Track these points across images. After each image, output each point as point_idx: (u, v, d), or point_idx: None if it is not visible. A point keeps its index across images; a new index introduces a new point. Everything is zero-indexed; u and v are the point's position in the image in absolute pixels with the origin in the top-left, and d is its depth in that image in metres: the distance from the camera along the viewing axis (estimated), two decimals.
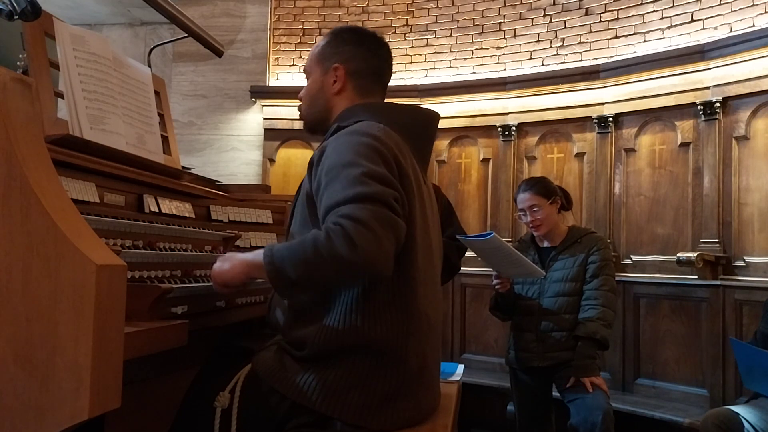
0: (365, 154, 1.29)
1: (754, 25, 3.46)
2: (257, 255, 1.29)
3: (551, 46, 4.31)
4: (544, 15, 4.35)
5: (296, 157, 4.79)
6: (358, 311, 1.30)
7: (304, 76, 1.62)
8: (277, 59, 4.96)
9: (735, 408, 2.38)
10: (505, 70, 4.42)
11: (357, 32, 1.57)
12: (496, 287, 2.70)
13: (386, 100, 1.60)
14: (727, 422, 2.30)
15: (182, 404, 1.44)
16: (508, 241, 3.36)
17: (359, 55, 1.53)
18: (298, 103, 1.63)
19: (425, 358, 1.38)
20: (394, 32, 4.72)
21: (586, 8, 4.21)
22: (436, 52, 4.65)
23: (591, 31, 4.17)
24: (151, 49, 2.66)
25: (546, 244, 2.81)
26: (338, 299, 1.31)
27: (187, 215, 1.79)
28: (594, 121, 4.02)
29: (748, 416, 2.30)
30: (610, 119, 3.96)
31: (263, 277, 1.27)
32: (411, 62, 4.68)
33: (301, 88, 1.62)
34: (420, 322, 1.36)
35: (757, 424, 2.28)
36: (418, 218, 1.38)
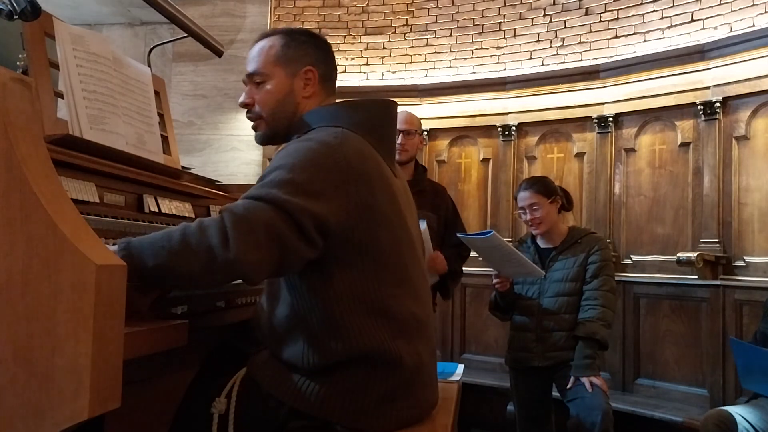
0: (304, 160, 1.24)
1: (754, 25, 3.46)
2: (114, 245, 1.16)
3: (551, 46, 4.31)
4: (544, 15, 4.35)
5: None
6: (340, 327, 1.26)
7: (246, 79, 1.49)
8: None
9: (735, 408, 2.38)
10: (505, 70, 4.42)
11: (311, 33, 1.52)
12: (496, 286, 2.70)
13: (382, 99, 1.55)
14: (727, 422, 2.29)
15: (179, 408, 1.44)
16: (508, 241, 3.36)
17: (322, 57, 1.48)
18: None
19: (420, 356, 1.36)
20: (394, 32, 4.70)
21: (586, 8, 4.21)
22: (436, 52, 4.64)
23: (591, 31, 4.17)
24: (151, 49, 2.65)
25: (546, 244, 2.81)
26: (313, 316, 1.27)
27: (187, 215, 1.79)
28: (594, 121, 4.02)
29: (747, 416, 2.30)
30: (610, 119, 3.96)
31: None
32: (411, 62, 4.67)
33: None
34: (406, 322, 1.33)
35: (756, 424, 2.28)
36: (392, 216, 1.34)
